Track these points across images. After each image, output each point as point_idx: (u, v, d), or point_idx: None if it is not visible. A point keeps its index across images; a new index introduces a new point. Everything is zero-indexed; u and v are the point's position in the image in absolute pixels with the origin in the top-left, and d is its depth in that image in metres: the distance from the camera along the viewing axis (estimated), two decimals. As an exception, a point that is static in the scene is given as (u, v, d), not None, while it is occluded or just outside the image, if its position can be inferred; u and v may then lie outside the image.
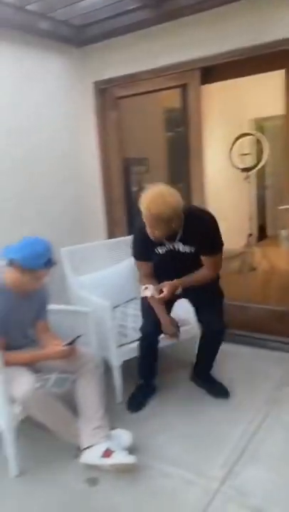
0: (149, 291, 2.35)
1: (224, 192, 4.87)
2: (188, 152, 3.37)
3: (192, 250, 2.28)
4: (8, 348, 2.17)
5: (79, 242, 3.33)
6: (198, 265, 2.35)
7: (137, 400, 2.58)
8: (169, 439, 2.29)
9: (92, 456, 2.04)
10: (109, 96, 3.64)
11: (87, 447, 2.07)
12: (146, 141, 4.30)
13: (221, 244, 2.32)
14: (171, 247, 2.30)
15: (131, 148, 3.90)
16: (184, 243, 2.27)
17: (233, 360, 3.08)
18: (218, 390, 2.66)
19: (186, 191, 3.53)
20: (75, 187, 3.72)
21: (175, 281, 2.33)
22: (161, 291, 2.33)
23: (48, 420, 2.11)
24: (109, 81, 3.57)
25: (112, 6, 3.09)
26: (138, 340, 2.55)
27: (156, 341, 2.52)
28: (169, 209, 2.05)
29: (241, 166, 4.48)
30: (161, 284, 2.34)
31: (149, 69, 3.33)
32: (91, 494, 1.96)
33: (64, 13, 3.19)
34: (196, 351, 2.70)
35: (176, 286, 2.36)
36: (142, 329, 2.53)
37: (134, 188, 4.16)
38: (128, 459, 2.01)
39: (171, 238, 2.25)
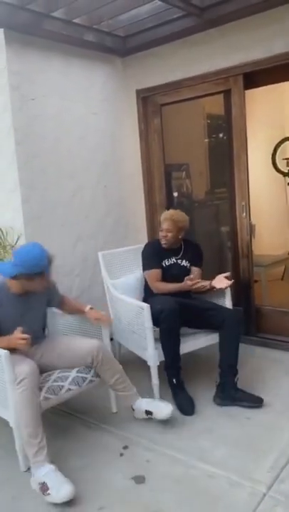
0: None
1: (265, 197, 4.83)
2: (232, 158, 3.36)
3: (188, 265, 3.02)
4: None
5: (122, 243, 3.45)
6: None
7: (186, 402, 2.59)
8: (213, 442, 2.28)
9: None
10: (152, 103, 3.72)
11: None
12: (187, 147, 4.34)
13: None
14: (175, 260, 2.99)
15: (172, 154, 3.95)
16: (183, 259, 3.01)
17: (275, 366, 3.06)
18: (250, 398, 2.56)
19: (228, 197, 3.53)
20: (119, 192, 3.80)
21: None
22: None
23: (21, 414, 2.04)
24: (152, 89, 3.64)
25: (155, 16, 3.17)
26: (161, 322, 2.58)
27: (179, 317, 2.58)
28: (183, 220, 2.95)
29: (285, 170, 4.43)
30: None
31: (192, 76, 3.38)
32: (137, 491, 1.99)
33: (109, 24, 3.31)
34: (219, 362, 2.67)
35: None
36: (161, 307, 2.58)
37: (175, 194, 4.20)
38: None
39: (176, 254, 3.00)
